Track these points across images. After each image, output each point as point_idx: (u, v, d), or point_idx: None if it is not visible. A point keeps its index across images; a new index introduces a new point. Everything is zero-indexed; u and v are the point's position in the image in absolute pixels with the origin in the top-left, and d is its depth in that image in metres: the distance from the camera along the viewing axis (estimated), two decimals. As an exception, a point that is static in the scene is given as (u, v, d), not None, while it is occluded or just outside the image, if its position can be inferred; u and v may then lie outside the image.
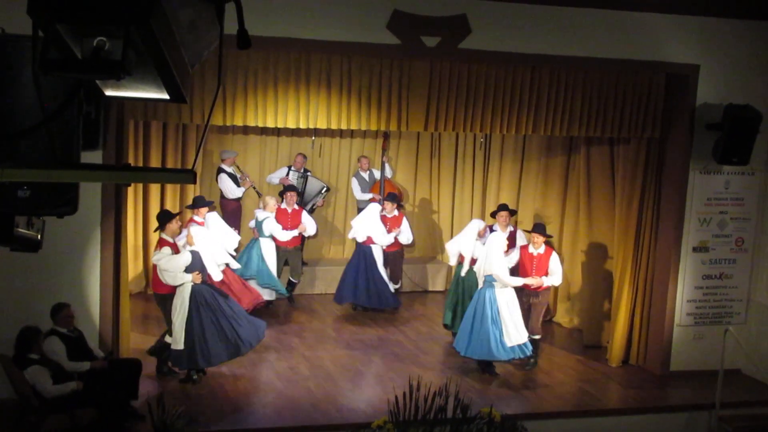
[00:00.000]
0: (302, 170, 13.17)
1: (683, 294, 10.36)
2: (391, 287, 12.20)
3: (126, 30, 2.03)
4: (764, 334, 10.52)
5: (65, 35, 2.10)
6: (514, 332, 9.65)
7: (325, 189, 13.15)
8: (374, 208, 12.01)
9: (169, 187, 10.91)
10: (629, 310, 10.49)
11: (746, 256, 10.54)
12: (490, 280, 9.69)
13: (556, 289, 11.57)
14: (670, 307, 10.30)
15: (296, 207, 11.99)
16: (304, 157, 13.21)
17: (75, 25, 2.07)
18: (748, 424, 9.48)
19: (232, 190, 12.31)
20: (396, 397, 8.19)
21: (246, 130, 13.12)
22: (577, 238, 11.51)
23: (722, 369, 9.52)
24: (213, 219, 10.48)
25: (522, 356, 9.81)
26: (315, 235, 12.53)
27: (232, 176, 12.43)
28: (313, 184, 13.18)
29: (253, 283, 11.23)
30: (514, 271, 10.00)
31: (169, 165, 10.43)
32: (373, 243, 11.87)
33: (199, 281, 8.98)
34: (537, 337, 10.20)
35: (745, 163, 9.96)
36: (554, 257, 10.05)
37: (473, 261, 10.26)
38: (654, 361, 10.44)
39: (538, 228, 10.16)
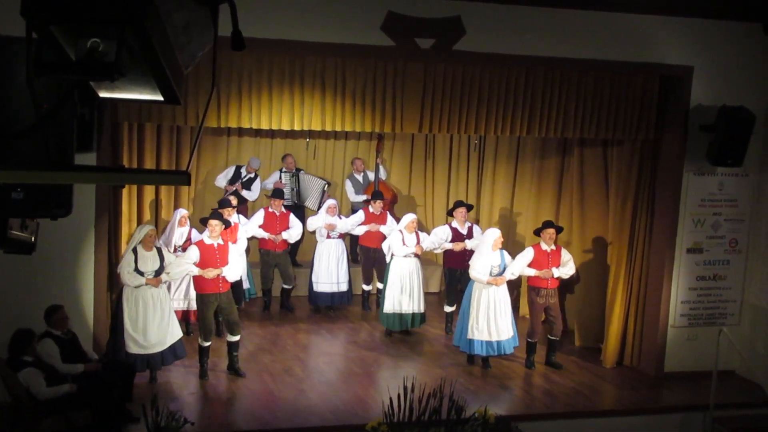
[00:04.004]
0: (294, 170, 13.17)
1: (677, 295, 10.38)
2: (367, 288, 12.49)
3: (120, 31, 2.03)
4: (758, 335, 10.54)
5: (59, 37, 2.10)
6: (495, 329, 10.04)
7: (326, 185, 13.10)
8: (325, 204, 12.17)
9: (163, 188, 10.90)
10: (623, 312, 10.51)
11: (740, 257, 10.56)
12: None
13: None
14: (664, 309, 10.32)
15: (284, 210, 11.92)
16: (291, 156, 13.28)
17: (69, 27, 2.07)
18: (742, 425, 9.48)
19: (219, 177, 12.68)
20: (390, 399, 8.18)
21: (240, 131, 13.14)
22: (571, 239, 11.52)
23: (716, 370, 9.53)
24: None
25: (499, 354, 10.14)
26: (300, 241, 12.49)
27: (237, 174, 12.49)
28: (311, 182, 13.14)
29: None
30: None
31: (164, 167, 10.41)
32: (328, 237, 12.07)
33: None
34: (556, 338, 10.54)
35: (739, 164, 9.98)
36: (566, 253, 10.33)
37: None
38: (648, 363, 10.45)
39: (548, 223, 10.39)
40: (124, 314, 8.95)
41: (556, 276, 10.20)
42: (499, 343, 10.07)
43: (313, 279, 12.04)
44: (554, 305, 10.31)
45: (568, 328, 11.68)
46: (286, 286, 12.10)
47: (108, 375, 8.11)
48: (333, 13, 8.80)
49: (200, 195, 13.07)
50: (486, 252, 10.07)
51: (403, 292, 10.93)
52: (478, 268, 10.05)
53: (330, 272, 11.98)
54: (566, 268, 10.23)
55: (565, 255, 10.28)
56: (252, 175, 12.61)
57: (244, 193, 12.42)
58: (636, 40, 9.63)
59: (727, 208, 10.43)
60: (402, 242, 10.96)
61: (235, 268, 9.53)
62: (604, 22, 9.55)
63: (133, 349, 8.93)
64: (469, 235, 11.26)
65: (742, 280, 10.61)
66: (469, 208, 11.58)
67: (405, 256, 10.93)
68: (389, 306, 10.97)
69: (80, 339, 8.30)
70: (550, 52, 9.38)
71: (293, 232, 11.79)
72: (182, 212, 10.53)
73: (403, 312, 11.00)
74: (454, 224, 11.35)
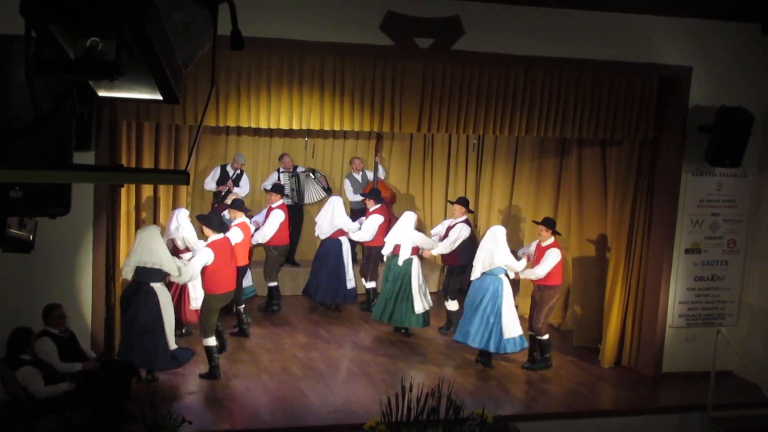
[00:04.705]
0: (292, 169, 13.15)
1: (675, 295, 10.38)
2: (365, 284, 12.47)
3: (119, 31, 2.03)
4: (756, 336, 10.55)
5: (58, 36, 2.10)
6: (509, 325, 10.00)
7: (309, 173, 13.19)
8: (338, 202, 12.05)
9: (161, 187, 10.88)
10: (621, 312, 10.51)
11: (738, 257, 10.57)
12: (491, 272, 10.04)
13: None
14: (662, 309, 10.33)
15: (273, 206, 11.77)
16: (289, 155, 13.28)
17: (68, 26, 2.07)
18: (740, 425, 9.49)
19: (207, 180, 12.54)
20: (388, 398, 8.18)
21: (239, 131, 13.12)
22: (570, 239, 11.52)
23: (714, 370, 9.53)
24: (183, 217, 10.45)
25: (514, 350, 10.09)
26: (297, 240, 12.56)
27: (224, 173, 12.44)
28: (312, 190, 13.18)
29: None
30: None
31: (162, 166, 10.39)
32: (341, 236, 12.04)
33: None
34: (542, 337, 10.30)
35: (738, 165, 9.98)
36: (549, 253, 10.04)
37: (415, 250, 11.05)
38: (646, 363, 10.46)
39: (546, 221, 10.33)
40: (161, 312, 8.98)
41: (522, 277, 10.25)
42: (514, 339, 10.11)
43: (348, 276, 12.08)
44: (538, 300, 10.20)
45: (561, 327, 11.74)
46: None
47: (106, 374, 8.10)
48: (332, 12, 8.80)
49: (198, 194, 13.05)
50: (507, 248, 10.05)
51: (425, 290, 11.15)
52: (517, 263, 10.08)
53: (349, 271, 12.12)
54: (532, 270, 10.07)
55: (547, 257, 10.02)
56: (239, 172, 12.57)
57: (235, 190, 12.39)
58: (635, 40, 9.63)
59: (725, 209, 10.43)
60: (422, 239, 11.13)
61: (185, 272, 9.23)
62: (603, 22, 9.55)
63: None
64: (445, 233, 11.30)
65: (740, 281, 10.61)
66: (469, 211, 11.47)
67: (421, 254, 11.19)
68: (422, 306, 11.02)
69: (78, 338, 8.30)
70: (549, 52, 9.38)
71: (258, 234, 11.50)
72: (185, 212, 10.41)
73: (426, 309, 11.14)
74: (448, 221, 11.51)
